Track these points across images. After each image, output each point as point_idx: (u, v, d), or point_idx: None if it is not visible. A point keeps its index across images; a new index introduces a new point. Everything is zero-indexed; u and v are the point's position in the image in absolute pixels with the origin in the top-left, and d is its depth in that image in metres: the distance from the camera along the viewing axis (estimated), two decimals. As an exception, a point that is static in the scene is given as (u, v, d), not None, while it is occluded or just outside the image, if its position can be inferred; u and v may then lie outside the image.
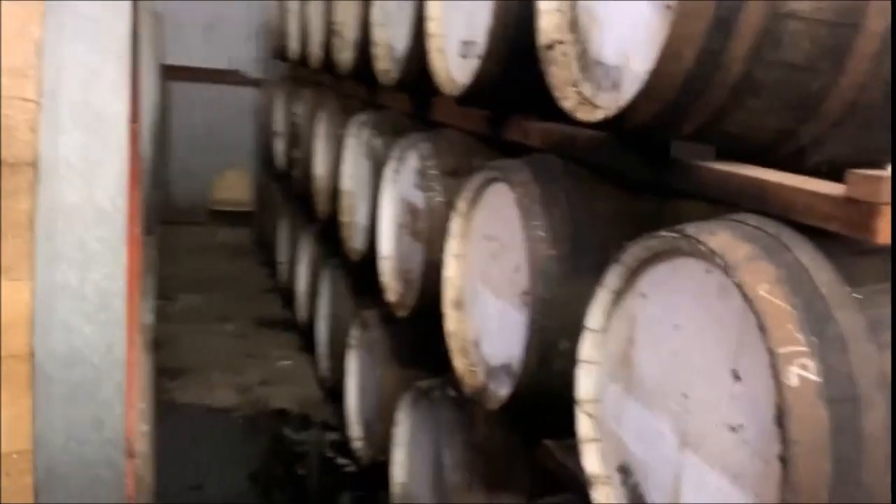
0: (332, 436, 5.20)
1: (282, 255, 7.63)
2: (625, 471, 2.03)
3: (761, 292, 1.52)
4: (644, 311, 1.94)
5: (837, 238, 1.60)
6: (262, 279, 8.35)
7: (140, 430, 2.72)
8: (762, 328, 1.49)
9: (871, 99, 1.83)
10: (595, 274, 2.09)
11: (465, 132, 3.50)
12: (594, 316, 2.08)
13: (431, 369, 3.70)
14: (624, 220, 2.44)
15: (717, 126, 1.92)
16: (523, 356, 2.45)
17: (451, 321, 3.07)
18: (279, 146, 7.61)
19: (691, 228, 1.72)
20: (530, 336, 2.43)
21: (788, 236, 1.65)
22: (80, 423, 0.88)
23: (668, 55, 1.75)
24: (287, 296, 7.24)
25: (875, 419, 1.47)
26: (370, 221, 4.16)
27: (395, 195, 3.90)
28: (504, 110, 3.05)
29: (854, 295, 1.55)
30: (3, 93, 0.83)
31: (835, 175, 1.68)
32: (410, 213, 3.67)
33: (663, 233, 1.78)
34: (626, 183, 2.48)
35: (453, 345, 3.04)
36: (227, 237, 9.79)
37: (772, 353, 1.47)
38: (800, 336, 1.47)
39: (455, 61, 3.23)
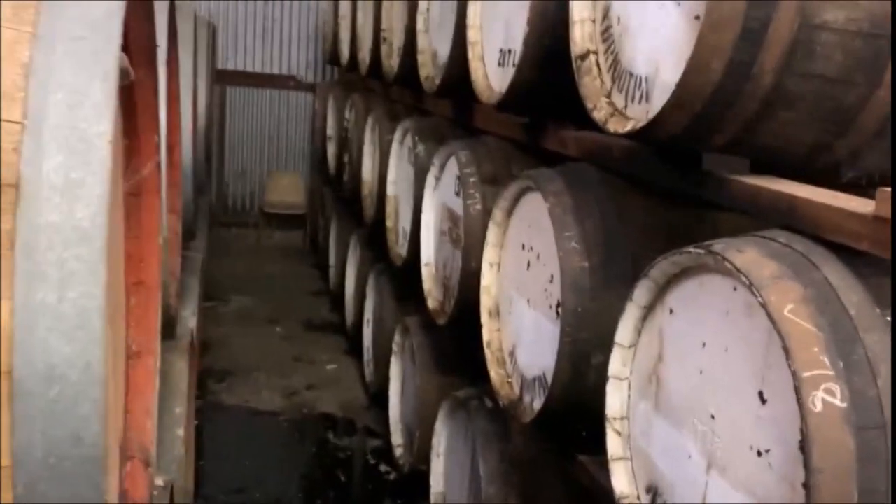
0: (374, 442, 5.22)
1: (332, 259, 7.69)
2: (653, 491, 1.99)
3: (786, 313, 1.47)
4: (672, 328, 1.89)
5: (870, 257, 1.54)
6: (312, 282, 8.43)
7: (175, 434, 2.75)
8: (786, 350, 1.44)
9: (910, 111, 1.76)
10: (628, 286, 2.05)
11: (505, 139, 3.48)
12: (623, 331, 2.04)
13: (471, 377, 3.69)
14: (658, 232, 2.39)
15: (751, 139, 1.87)
16: (555, 369, 2.42)
17: (487, 331, 3.05)
18: (331, 150, 7.68)
19: (719, 245, 1.68)
20: (562, 348, 2.40)
21: (818, 254, 1.59)
22: (58, 439, 0.89)
23: (696, 66, 1.70)
24: (336, 299, 7.29)
25: (905, 447, 1.41)
26: (413, 227, 4.16)
27: (436, 202, 3.90)
28: (541, 118, 3.02)
29: (885, 317, 1.49)
30: (-9, 115, 0.85)
31: (873, 190, 1.62)
32: (451, 219, 3.66)
33: (690, 248, 1.74)
34: (660, 194, 2.43)
35: (489, 355, 3.02)
36: (281, 240, 9.91)
37: (796, 377, 1.42)
38: (825, 359, 1.42)
39: (493, 69, 3.21)
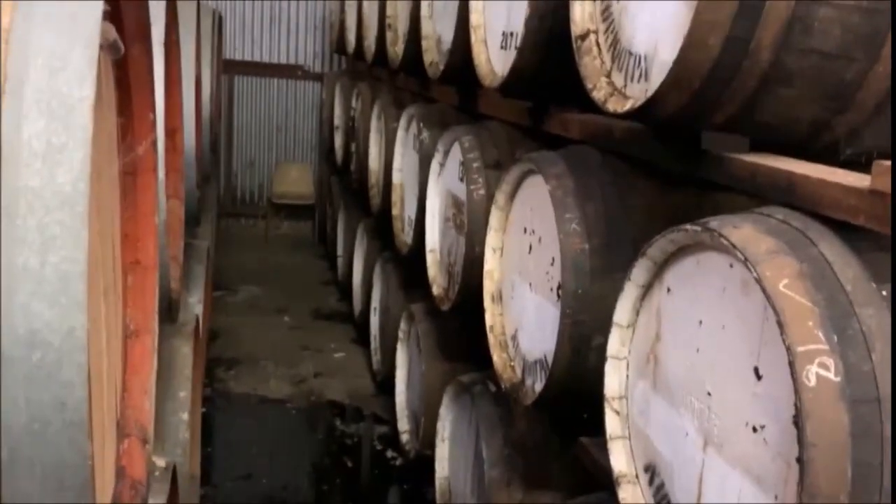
0: (382, 429, 5.24)
1: (340, 249, 7.70)
2: (651, 470, 1.98)
3: (782, 288, 1.46)
4: (669, 306, 1.89)
5: (867, 233, 1.54)
6: (320, 272, 8.45)
7: (179, 418, 2.76)
8: (781, 325, 1.43)
9: (910, 88, 1.74)
10: (628, 268, 2.04)
11: (509, 124, 3.47)
12: (621, 311, 2.04)
13: (475, 362, 3.69)
14: (659, 214, 2.38)
15: (749, 117, 1.86)
16: (556, 351, 2.42)
17: (490, 315, 3.05)
18: (338, 140, 7.69)
19: (715, 222, 1.67)
20: (562, 330, 2.40)
21: (815, 230, 1.58)
22: (42, 404, 0.89)
23: (693, 43, 1.69)
24: (344, 289, 7.31)
25: (901, 422, 1.40)
26: (418, 215, 4.17)
27: (440, 188, 3.90)
28: (545, 102, 3.02)
29: (881, 292, 1.48)
30: (-29, 80, 0.85)
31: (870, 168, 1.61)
32: (455, 206, 3.66)
33: (687, 226, 1.73)
34: (662, 176, 2.43)
35: (492, 339, 3.02)
36: (289, 231, 9.93)
37: (790, 351, 1.41)
38: (819, 334, 1.41)
39: (496, 52, 3.20)
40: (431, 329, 4.25)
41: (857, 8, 1.63)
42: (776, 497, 1.51)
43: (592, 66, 2.25)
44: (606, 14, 2.24)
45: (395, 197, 4.86)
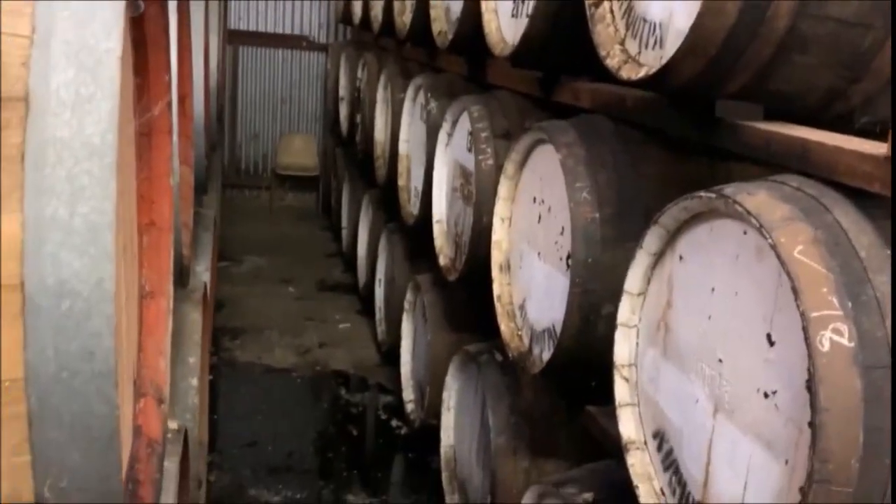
0: (386, 398, 5.26)
1: (345, 220, 7.70)
2: (660, 436, 2.00)
3: (796, 254, 1.47)
4: (681, 274, 1.89)
5: (882, 200, 1.53)
6: (325, 243, 8.45)
7: (189, 383, 2.78)
8: (795, 291, 1.44)
9: (928, 56, 1.73)
10: (640, 237, 2.04)
11: (518, 94, 3.46)
12: (632, 279, 2.04)
13: (481, 333, 3.70)
14: (671, 184, 2.38)
15: (764, 85, 1.85)
16: (565, 319, 2.43)
17: (498, 285, 3.05)
18: (343, 111, 7.66)
19: (730, 189, 1.67)
20: (572, 299, 2.40)
21: (830, 197, 1.58)
22: (70, 353, 0.90)
23: (709, 10, 1.69)
24: (349, 260, 7.32)
25: (913, 388, 1.41)
26: (425, 185, 4.16)
27: (448, 158, 3.89)
28: (555, 71, 3.00)
29: (896, 259, 1.48)
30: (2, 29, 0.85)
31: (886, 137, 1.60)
32: (463, 176, 3.66)
33: (701, 193, 1.73)
34: (676, 145, 2.42)
35: (499, 309, 3.03)
36: (293, 202, 9.93)
37: (804, 317, 1.42)
38: (834, 300, 1.41)
39: (507, 21, 3.18)
40: (437, 299, 4.26)
41: (876, -26, 1.62)
42: (787, 462, 1.52)
43: (606, 33, 2.24)
44: (621, -19, 2.22)
45: (401, 168, 4.85)
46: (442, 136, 3.90)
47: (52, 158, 0.87)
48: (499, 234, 3.08)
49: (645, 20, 2.10)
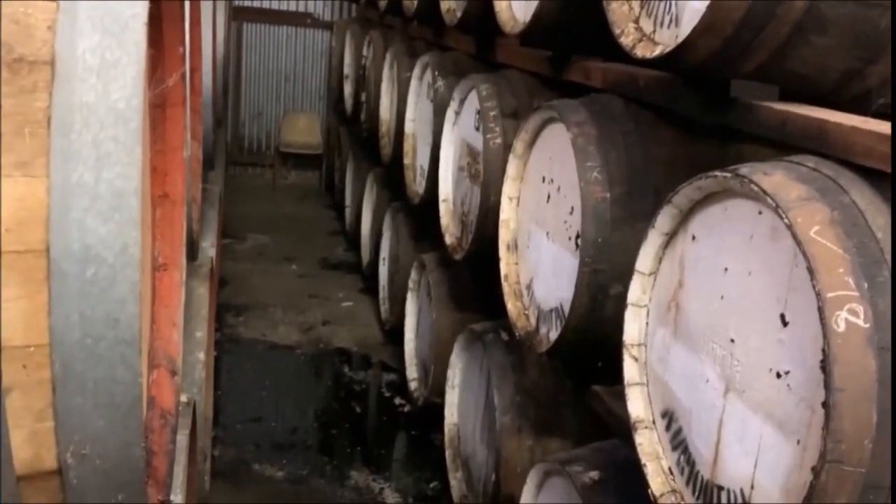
0: (389, 376, 5.28)
1: (348, 199, 7.69)
2: (669, 416, 2.00)
3: (813, 234, 1.46)
4: (693, 254, 1.89)
5: (900, 181, 1.53)
6: (328, 222, 8.45)
7: (196, 357, 2.78)
8: (811, 271, 1.43)
9: (947, 37, 1.72)
10: (650, 218, 2.04)
11: (527, 73, 3.44)
12: (643, 258, 2.03)
13: (487, 312, 3.71)
14: (682, 164, 2.37)
15: (780, 65, 1.84)
16: (573, 299, 2.43)
17: (505, 264, 3.05)
18: (348, 89, 7.63)
19: (745, 169, 1.66)
20: (581, 279, 2.40)
21: (847, 178, 1.57)
22: (94, 320, 0.90)
23: (728, -13, 1.67)
24: (352, 239, 7.32)
25: (927, 369, 1.41)
26: (431, 164, 4.15)
27: (455, 137, 3.88)
28: (566, 50, 2.99)
29: (912, 240, 1.48)
30: (26, -8, 0.84)
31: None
32: (470, 155, 3.64)
33: (716, 172, 1.72)
34: (687, 126, 2.41)
35: (506, 288, 3.02)
36: (297, 180, 9.91)
37: (820, 297, 1.42)
38: (850, 280, 1.41)
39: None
40: (442, 278, 4.26)
41: (897, -46, 1.61)
42: (799, 442, 1.52)
43: (620, 11, 2.22)
44: (636, -42, 2.20)
45: (407, 146, 4.84)
46: (449, 115, 3.88)
47: (79, 124, 0.86)
48: (506, 213, 3.07)
49: (660, -2, 2.08)
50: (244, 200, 8.54)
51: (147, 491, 1.14)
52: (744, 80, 1.92)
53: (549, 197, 2.76)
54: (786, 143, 1.82)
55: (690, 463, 1.88)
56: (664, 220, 1.96)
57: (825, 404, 1.41)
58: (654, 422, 2.06)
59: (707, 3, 1.77)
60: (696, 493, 1.85)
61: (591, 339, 2.49)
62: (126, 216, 0.88)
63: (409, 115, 4.82)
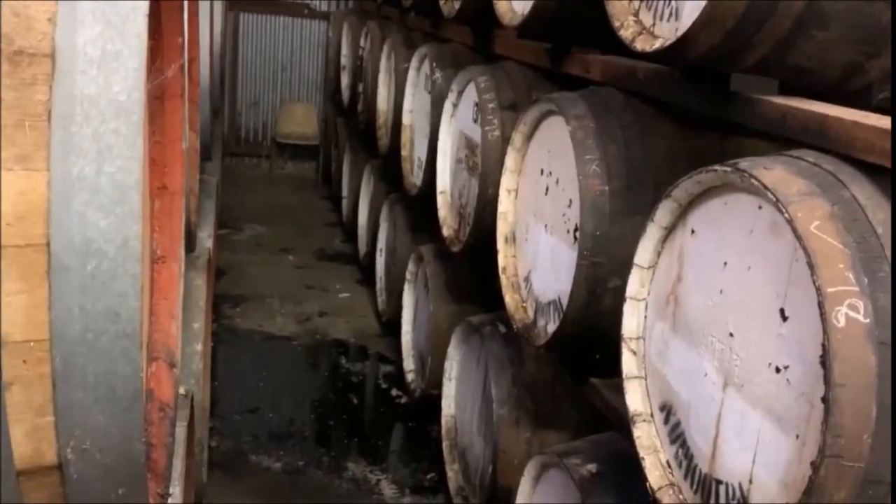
0: (386, 368, 5.28)
1: (345, 190, 7.68)
2: (667, 409, 2.00)
3: (813, 229, 1.46)
4: (692, 248, 1.89)
5: (901, 176, 1.53)
6: (325, 213, 8.44)
7: (194, 349, 2.78)
8: (811, 266, 1.43)
9: (948, 32, 1.72)
10: (648, 211, 2.04)
11: (526, 66, 3.43)
12: (642, 252, 2.03)
13: (484, 304, 3.71)
14: (681, 158, 2.37)
15: (781, 59, 1.83)
16: (571, 292, 2.43)
17: (503, 257, 3.05)
18: (345, 80, 7.60)
19: (745, 163, 1.66)
20: (579, 272, 2.40)
21: (847, 173, 1.57)
22: (96, 314, 0.89)
23: (730, -20, 1.66)
24: (349, 230, 7.31)
25: (926, 365, 1.41)
26: (429, 156, 4.14)
27: (453, 129, 3.87)
28: (565, 43, 2.98)
29: (912, 235, 1.48)
30: (25, -15, 0.83)
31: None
32: (468, 147, 3.64)
33: (716, 167, 1.72)
34: (686, 120, 2.41)
35: (504, 280, 3.02)
36: (293, 171, 9.89)
37: (820, 292, 1.42)
38: (850, 276, 1.41)
39: (517, -9, 3.15)
40: (440, 270, 4.26)
41: (900, -52, 1.60)
42: (797, 436, 1.53)
43: (620, 4, 2.22)
44: (637, -49, 2.19)
45: (404, 138, 4.83)
46: (447, 107, 3.88)
47: (79, 116, 0.85)
48: (505, 205, 3.07)
49: (661, -9, 2.07)
50: (241, 191, 8.52)
51: (147, 485, 1.14)
52: (744, 73, 1.92)
53: (547, 190, 2.76)
54: (786, 138, 1.82)
55: (688, 456, 1.88)
56: (663, 213, 1.96)
57: (825, 399, 1.41)
58: (652, 415, 2.06)
59: (708, -4, 1.76)
60: (695, 487, 1.85)
61: (590, 333, 2.49)
62: (127, 210, 0.88)
63: (406, 106, 4.81)
